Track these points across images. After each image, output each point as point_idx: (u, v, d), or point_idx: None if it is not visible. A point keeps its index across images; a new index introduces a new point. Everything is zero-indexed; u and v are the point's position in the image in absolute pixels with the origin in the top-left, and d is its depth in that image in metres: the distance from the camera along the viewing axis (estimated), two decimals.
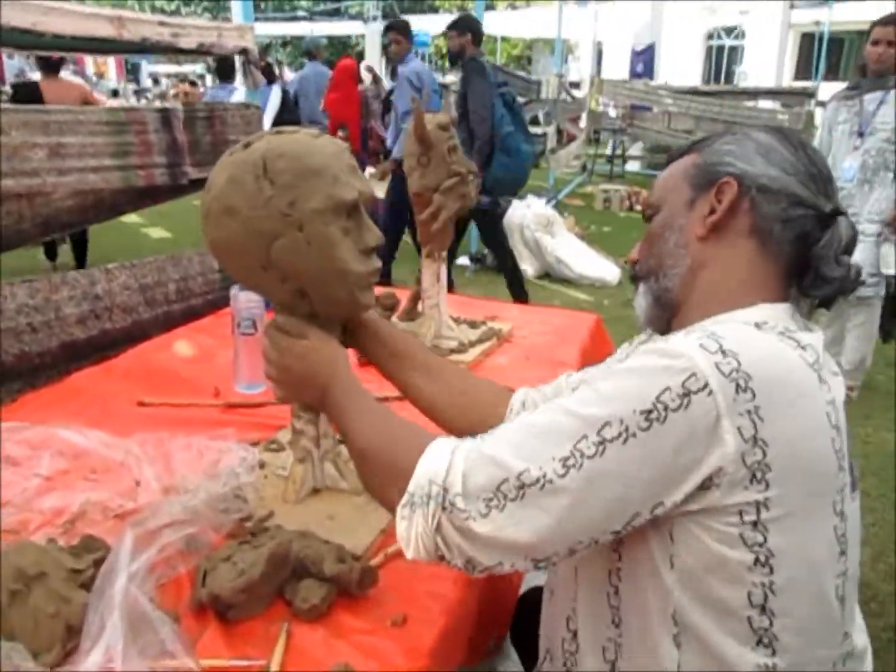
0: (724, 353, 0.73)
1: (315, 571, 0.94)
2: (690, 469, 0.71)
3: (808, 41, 18.06)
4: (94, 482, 1.10)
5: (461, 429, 1.13)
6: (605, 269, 5.83)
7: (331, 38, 23.72)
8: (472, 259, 6.03)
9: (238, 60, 2.43)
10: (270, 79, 6.61)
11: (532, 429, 0.77)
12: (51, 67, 4.81)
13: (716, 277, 0.89)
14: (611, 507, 0.73)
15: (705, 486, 0.72)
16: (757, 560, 0.73)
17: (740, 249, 0.88)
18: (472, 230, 6.15)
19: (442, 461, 0.77)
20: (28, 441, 1.15)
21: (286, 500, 1.13)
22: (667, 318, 0.94)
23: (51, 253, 5.57)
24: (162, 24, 1.92)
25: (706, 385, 0.71)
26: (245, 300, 1.53)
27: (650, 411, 0.71)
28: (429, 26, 18.61)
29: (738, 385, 0.71)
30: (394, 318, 1.84)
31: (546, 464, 0.73)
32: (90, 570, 0.85)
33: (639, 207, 9.08)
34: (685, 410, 0.71)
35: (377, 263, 1.06)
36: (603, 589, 0.84)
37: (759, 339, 0.79)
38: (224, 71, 6.04)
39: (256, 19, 2.84)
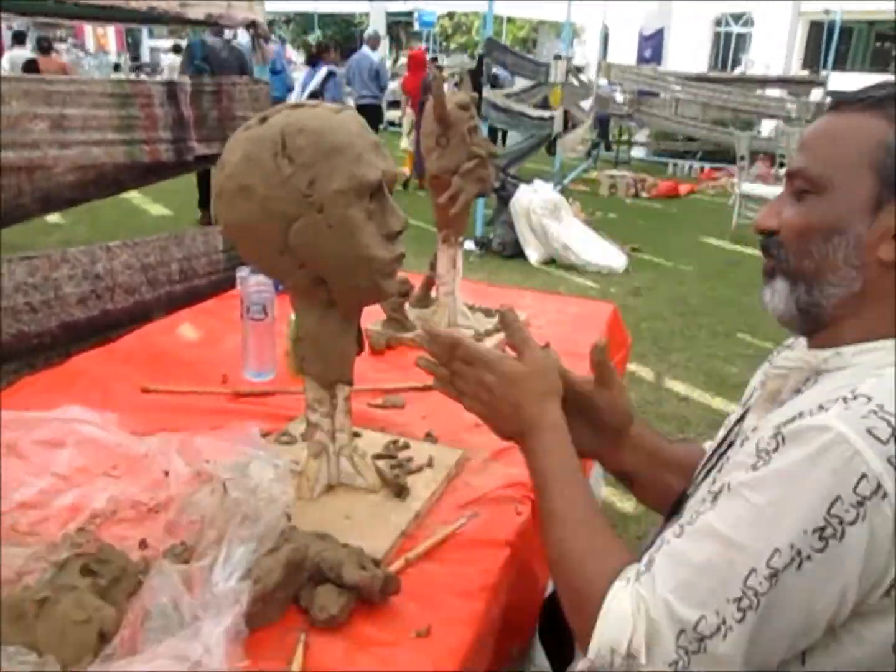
0: None
1: (333, 577, 0.88)
2: (878, 580, 0.63)
3: (816, 30, 17.85)
4: (116, 478, 1.04)
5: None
6: (612, 257, 5.77)
7: (335, 16, 23.46)
8: (476, 243, 5.96)
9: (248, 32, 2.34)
10: (322, 58, 7.78)
11: (691, 567, 0.67)
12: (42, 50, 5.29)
13: (885, 306, 0.73)
14: (794, 633, 0.65)
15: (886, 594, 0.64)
16: None
17: None
18: (478, 213, 6.09)
19: (623, 627, 0.69)
20: (43, 438, 1.09)
21: (300, 496, 1.07)
22: (810, 328, 0.80)
23: None
24: None
25: (879, 486, 0.61)
26: (255, 284, 1.46)
27: (823, 528, 0.61)
28: (434, 6, 18.40)
29: None
30: (406, 305, 1.78)
31: (721, 608, 0.65)
32: (111, 584, 0.80)
33: (645, 194, 9.00)
34: (863, 522, 0.61)
35: (401, 249, 0.99)
36: None
37: None
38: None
39: None
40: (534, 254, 5.81)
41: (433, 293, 1.82)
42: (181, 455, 1.05)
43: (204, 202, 5.56)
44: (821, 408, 0.66)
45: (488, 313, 1.88)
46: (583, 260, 5.71)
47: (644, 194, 9.05)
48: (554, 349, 1.02)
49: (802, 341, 0.85)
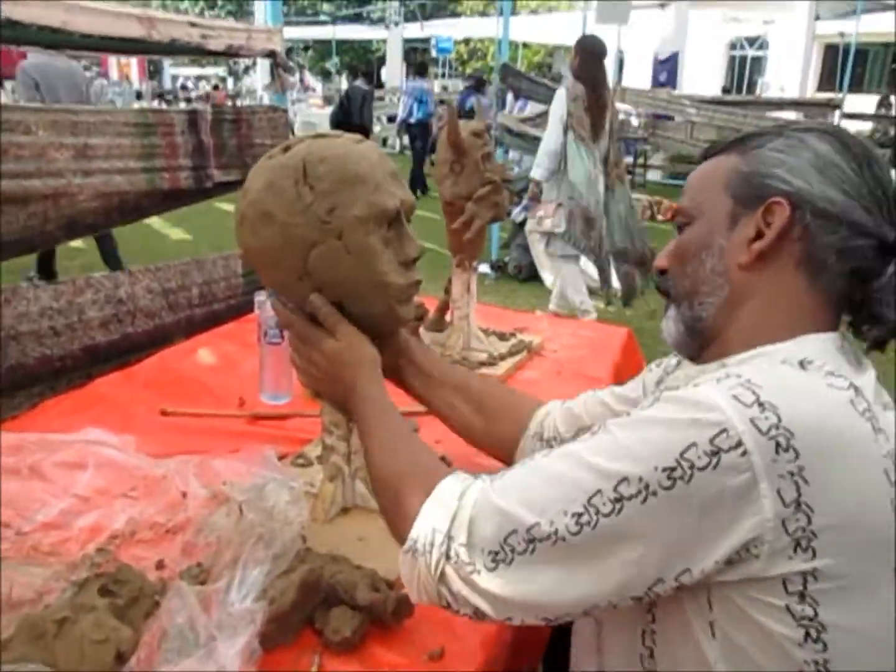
0: (761, 405, 0.64)
1: (347, 599, 0.89)
2: (720, 535, 0.64)
3: (831, 52, 17.90)
4: (134, 499, 1.06)
5: (489, 449, 1.15)
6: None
7: (352, 43, 23.83)
8: (492, 267, 5.98)
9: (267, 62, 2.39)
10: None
11: (543, 477, 0.71)
12: None
13: (757, 310, 0.79)
14: (628, 570, 0.66)
15: (742, 555, 0.64)
16: (807, 635, 0.65)
17: (788, 281, 0.78)
18: (493, 237, 6.12)
19: (448, 507, 0.73)
20: (64, 460, 1.11)
21: (314, 518, 1.08)
22: (699, 345, 0.85)
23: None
24: (192, 24, 1.89)
25: (739, 443, 0.63)
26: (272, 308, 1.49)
27: (673, 469, 0.64)
28: (451, 32, 18.66)
29: (777, 444, 0.62)
30: (421, 329, 1.79)
31: (558, 518, 0.67)
32: (128, 605, 0.82)
33: (661, 217, 9.01)
34: (713, 470, 0.63)
35: (418, 275, 1.01)
36: (635, 650, 0.76)
37: (803, 385, 0.69)
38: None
39: None
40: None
41: (448, 317, 1.84)
42: (198, 477, 1.07)
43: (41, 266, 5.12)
44: (695, 385, 0.70)
45: (503, 337, 1.89)
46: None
47: (660, 217, 9.04)
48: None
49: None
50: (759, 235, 0.78)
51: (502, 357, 1.76)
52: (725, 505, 0.63)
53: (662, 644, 0.74)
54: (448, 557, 0.71)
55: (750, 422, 0.63)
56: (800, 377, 0.70)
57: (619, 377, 1.84)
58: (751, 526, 0.63)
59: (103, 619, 0.79)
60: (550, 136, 3.99)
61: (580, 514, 0.66)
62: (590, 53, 3.83)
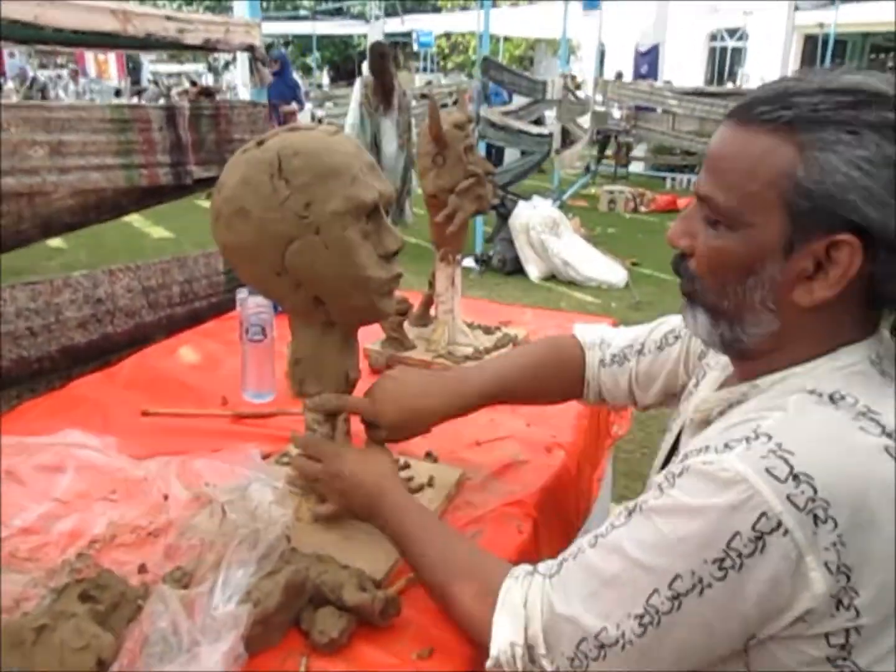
0: (796, 478, 0.62)
1: (334, 599, 0.87)
2: (779, 613, 0.64)
3: (811, 43, 17.99)
4: (115, 502, 1.04)
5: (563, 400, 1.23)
6: (612, 272, 5.77)
7: (333, 38, 23.70)
8: (476, 261, 5.97)
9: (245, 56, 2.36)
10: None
11: (600, 580, 0.71)
12: None
13: (804, 336, 0.74)
14: (695, 653, 0.68)
15: (794, 623, 0.65)
16: None
17: (842, 315, 0.72)
18: (477, 231, 6.11)
19: (517, 617, 0.75)
20: (43, 463, 1.09)
21: (299, 518, 1.06)
22: (735, 356, 0.82)
23: None
24: (168, 18, 1.85)
25: (780, 524, 0.62)
26: (254, 305, 1.47)
27: (723, 559, 0.64)
28: (432, 26, 18.59)
29: (816, 517, 0.62)
30: (405, 324, 1.78)
31: (623, 622, 0.68)
32: (110, 610, 0.80)
33: (644, 209, 9.03)
34: (761, 554, 0.63)
35: (398, 269, 1.00)
36: None
37: (834, 437, 0.66)
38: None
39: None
40: (534, 270, 5.83)
41: (432, 311, 1.82)
42: (180, 478, 1.05)
43: None
44: (726, 446, 0.67)
45: (488, 331, 1.88)
46: (583, 275, 5.72)
47: (643, 209, 9.08)
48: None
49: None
50: (819, 267, 0.69)
51: (487, 351, 1.75)
52: (779, 586, 0.63)
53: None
54: (532, 661, 0.74)
55: (787, 500, 0.62)
56: (830, 424, 0.67)
57: None
58: (805, 602, 0.63)
59: (83, 626, 0.77)
60: (351, 114, 5.51)
61: (642, 616, 0.67)
62: (376, 54, 5.49)
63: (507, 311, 2.16)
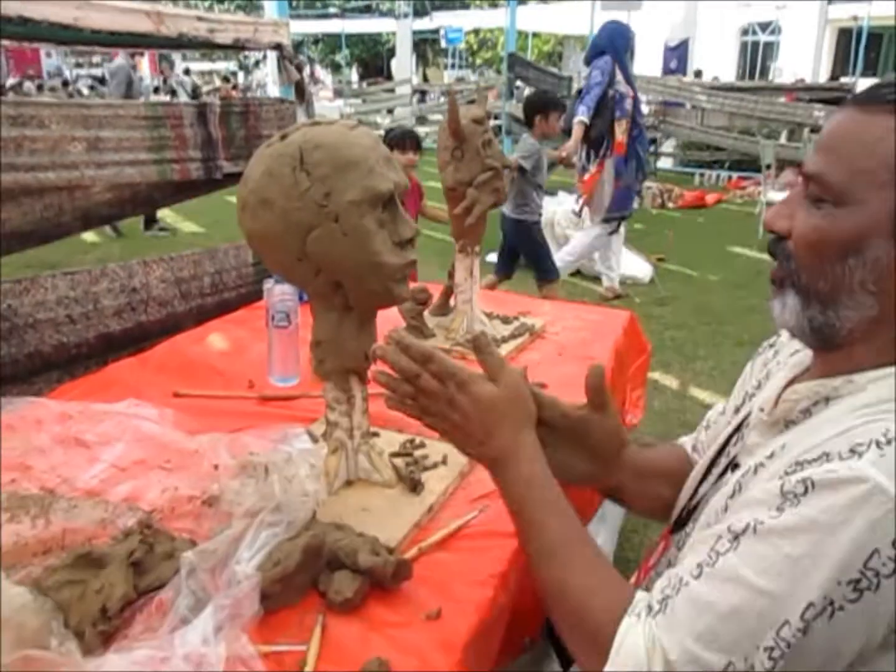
0: None
1: (349, 563, 0.93)
2: None
3: (845, 37, 17.71)
4: (169, 471, 1.11)
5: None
6: (637, 267, 5.77)
7: (362, 36, 23.81)
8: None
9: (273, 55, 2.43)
10: None
11: (718, 614, 0.64)
12: None
13: None
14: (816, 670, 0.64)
15: None
16: None
17: None
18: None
19: (640, 663, 0.67)
20: (106, 431, 1.18)
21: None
22: (821, 345, 0.76)
23: None
24: (200, 18, 1.93)
25: None
26: (279, 293, 1.54)
27: (858, 581, 0.59)
28: (460, 22, 18.60)
29: None
30: (425, 313, 1.84)
31: (750, 654, 0.63)
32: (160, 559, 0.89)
33: (671, 205, 8.98)
34: None
35: (412, 255, 1.06)
36: None
37: None
38: None
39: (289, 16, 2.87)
40: (557, 263, 5.84)
41: (452, 301, 1.88)
42: (229, 451, 1.11)
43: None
44: (852, 452, 0.62)
45: (506, 320, 1.93)
46: None
47: (670, 205, 9.03)
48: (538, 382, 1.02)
49: (796, 343, 0.85)
50: None
51: (505, 340, 1.80)
52: None
53: None
54: None
55: None
56: None
57: (621, 359, 1.87)
58: None
59: (111, 573, 0.84)
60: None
61: (772, 649, 0.62)
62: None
63: (526, 301, 2.20)
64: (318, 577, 0.94)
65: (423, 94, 16.12)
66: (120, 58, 6.55)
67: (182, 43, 1.97)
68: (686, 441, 1.14)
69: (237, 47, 2.19)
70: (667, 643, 0.66)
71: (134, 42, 2.03)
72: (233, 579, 0.85)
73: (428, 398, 0.87)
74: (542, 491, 0.84)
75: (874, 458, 0.61)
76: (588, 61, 5.09)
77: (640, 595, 0.74)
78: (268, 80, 15.87)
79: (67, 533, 0.95)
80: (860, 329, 0.71)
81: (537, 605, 1.16)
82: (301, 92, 2.39)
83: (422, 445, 1.28)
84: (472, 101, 1.80)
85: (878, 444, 0.62)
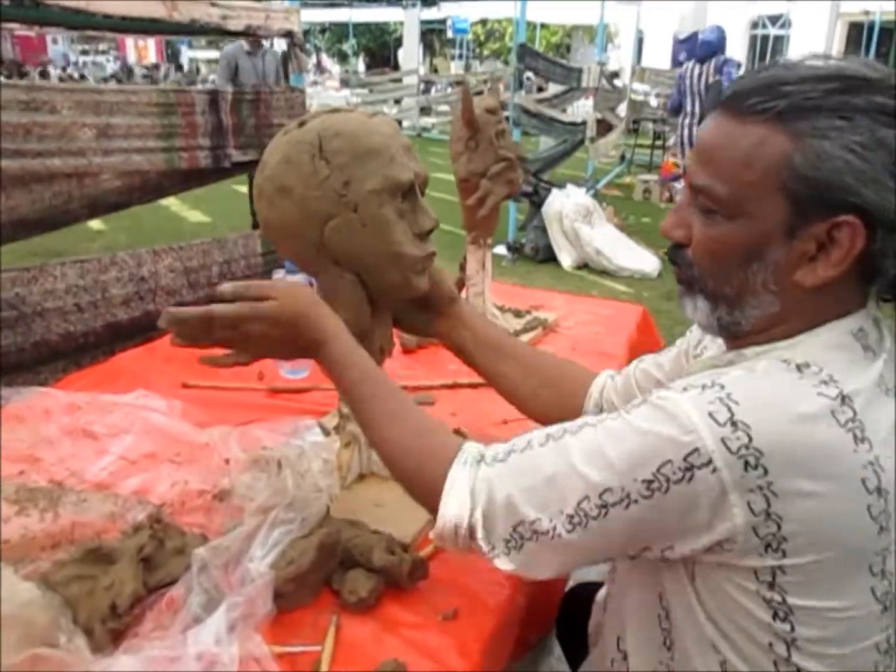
0: (734, 424, 0.66)
1: (363, 562, 0.92)
2: (696, 534, 0.70)
3: (856, 31, 17.56)
4: (179, 464, 1.10)
5: (547, 417, 1.10)
6: (645, 261, 5.74)
7: (369, 25, 23.70)
8: (509, 248, 5.98)
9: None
10: None
11: (540, 473, 0.76)
12: None
13: (798, 321, 0.75)
14: (619, 547, 0.76)
15: (715, 549, 0.70)
16: (775, 615, 0.70)
17: (841, 293, 0.74)
18: (510, 218, 6.12)
19: (463, 504, 0.80)
20: (115, 423, 1.16)
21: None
22: (732, 338, 0.83)
23: None
24: (213, 4, 1.90)
25: (710, 461, 0.66)
26: None
27: (651, 481, 0.69)
28: (468, 13, 18.49)
29: (746, 462, 0.66)
30: None
31: (555, 517, 0.74)
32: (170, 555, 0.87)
33: (679, 198, 8.94)
34: (687, 483, 0.68)
35: (432, 247, 1.03)
36: (654, 611, 0.82)
37: (783, 397, 0.68)
38: None
39: None
40: (566, 258, 5.82)
41: (463, 294, 1.86)
42: (240, 444, 1.10)
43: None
44: (684, 389, 0.71)
45: (518, 314, 1.91)
46: (615, 264, 5.70)
47: (678, 198, 8.99)
48: None
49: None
50: (821, 247, 0.71)
51: (517, 333, 1.78)
52: (699, 511, 0.68)
53: (673, 606, 0.79)
54: (472, 538, 0.80)
55: (721, 441, 0.66)
56: (785, 387, 0.70)
57: (635, 354, 1.84)
58: (723, 530, 0.68)
59: (121, 569, 0.83)
60: None
61: (572, 516, 0.73)
62: None
63: (539, 295, 2.18)
64: (332, 575, 0.92)
65: (426, 84, 16.04)
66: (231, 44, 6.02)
67: (194, 29, 1.95)
68: (602, 378, 1.15)
69: (248, 34, 2.16)
70: (497, 487, 0.78)
71: (145, 28, 2.01)
72: (246, 577, 0.83)
73: (234, 344, 0.92)
74: (355, 361, 0.92)
75: (694, 395, 0.70)
76: (697, 58, 6.42)
77: (469, 446, 0.84)
78: None
79: (76, 526, 0.94)
80: (764, 323, 0.77)
81: (550, 603, 1.16)
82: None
83: None
84: (479, 93, 1.78)
85: (703, 386, 0.70)
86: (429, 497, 0.84)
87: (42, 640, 0.74)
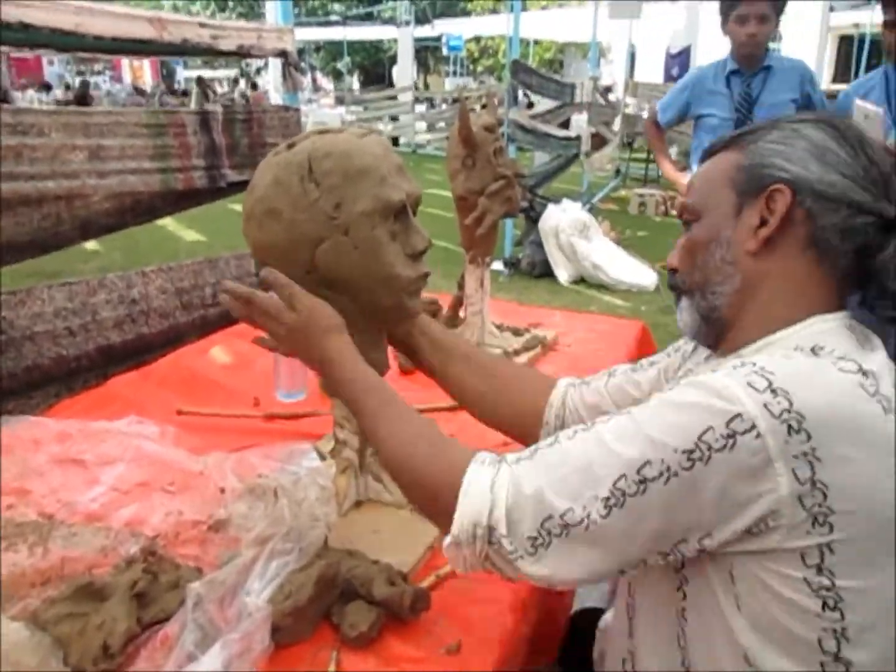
0: (773, 391, 0.68)
1: (364, 593, 0.89)
2: (739, 509, 0.68)
3: (846, 44, 17.70)
4: (172, 494, 1.07)
5: (500, 422, 1.13)
6: (642, 275, 5.73)
7: (363, 43, 23.86)
8: (506, 264, 5.97)
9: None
10: None
11: (571, 462, 0.74)
12: None
13: (769, 296, 0.82)
14: (656, 536, 0.71)
15: (761, 528, 0.68)
16: (825, 605, 0.69)
17: (795, 264, 0.81)
18: (506, 234, 6.11)
19: (483, 500, 0.76)
20: (107, 452, 1.13)
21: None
22: (715, 335, 0.88)
23: None
24: (202, 25, 1.89)
25: (753, 426, 0.66)
26: None
27: (692, 451, 0.68)
28: (461, 30, 18.63)
29: (790, 427, 0.66)
30: None
31: (589, 504, 0.71)
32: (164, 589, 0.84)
33: (675, 212, 8.96)
34: (730, 451, 0.67)
35: (425, 268, 1.01)
36: (673, 629, 0.79)
37: (814, 370, 0.72)
38: None
39: None
40: (563, 273, 5.81)
41: (462, 313, 1.83)
42: (235, 472, 1.07)
43: None
44: (713, 372, 0.74)
45: (517, 332, 1.89)
46: (612, 278, 5.69)
47: (674, 212, 9.00)
48: None
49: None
50: (764, 222, 0.81)
51: (517, 352, 1.76)
52: (743, 482, 0.67)
53: (693, 620, 0.77)
54: (491, 544, 0.75)
55: (763, 406, 0.67)
56: (810, 363, 0.73)
57: None
58: (768, 502, 0.67)
59: (113, 606, 0.80)
60: None
61: (608, 498, 0.70)
62: None
63: (537, 313, 2.16)
64: (331, 608, 0.89)
65: (429, 102, 16.10)
66: None
67: (185, 50, 1.93)
68: (562, 387, 1.12)
69: (241, 54, 2.15)
70: (525, 481, 0.74)
71: (137, 49, 2.00)
72: (242, 612, 0.80)
73: (270, 333, 0.99)
74: (363, 378, 0.92)
75: (728, 371, 0.72)
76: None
77: (484, 452, 0.81)
78: (269, 87, 15.86)
79: (67, 562, 0.91)
80: (735, 304, 0.83)
81: (555, 630, 1.13)
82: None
83: None
84: (472, 109, 1.76)
85: (734, 367, 0.72)
86: (442, 502, 0.79)
87: None
